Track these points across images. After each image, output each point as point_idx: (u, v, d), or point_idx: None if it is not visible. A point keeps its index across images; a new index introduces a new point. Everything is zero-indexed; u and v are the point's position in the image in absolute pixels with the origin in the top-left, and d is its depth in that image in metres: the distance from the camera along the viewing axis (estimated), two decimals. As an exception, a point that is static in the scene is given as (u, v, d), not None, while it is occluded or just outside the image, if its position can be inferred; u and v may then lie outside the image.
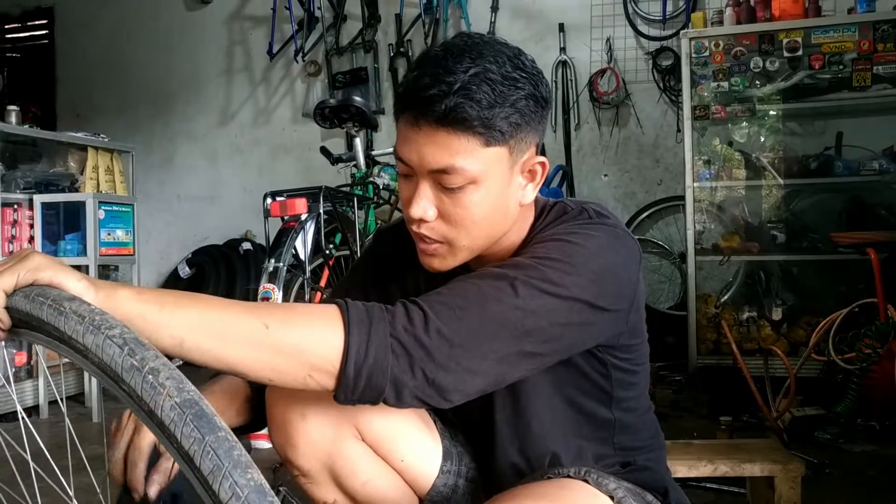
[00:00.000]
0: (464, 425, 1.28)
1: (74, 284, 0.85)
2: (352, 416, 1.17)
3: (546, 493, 1.01)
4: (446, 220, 1.07)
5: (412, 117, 1.03)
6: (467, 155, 1.01)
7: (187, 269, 5.67)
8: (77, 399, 3.88)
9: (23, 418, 1.04)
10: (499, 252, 1.15)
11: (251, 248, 5.60)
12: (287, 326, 0.90)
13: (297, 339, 0.91)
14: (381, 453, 1.21)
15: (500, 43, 1.06)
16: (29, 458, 0.97)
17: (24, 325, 0.85)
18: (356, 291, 1.26)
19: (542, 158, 1.11)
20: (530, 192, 1.12)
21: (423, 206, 1.05)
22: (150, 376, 0.73)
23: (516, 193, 1.10)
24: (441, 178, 1.04)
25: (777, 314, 4.09)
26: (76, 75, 6.48)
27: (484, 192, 1.05)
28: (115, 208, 3.87)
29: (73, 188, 4.12)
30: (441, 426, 1.28)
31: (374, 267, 1.33)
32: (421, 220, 1.07)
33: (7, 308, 0.85)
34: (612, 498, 1.04)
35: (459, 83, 0.99)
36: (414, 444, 1.22)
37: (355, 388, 0.92)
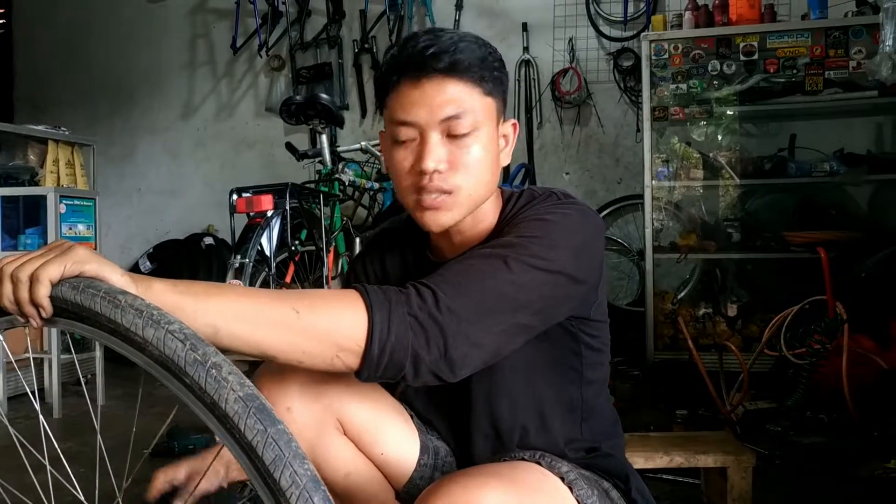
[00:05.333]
0: (441, 402, 1.31)
1: (118, 279, 0.89)
2: (335, 410, 1.21)
3: (497, 471, 1.06)
4: (455, 168, 1.14)
5: (414, 77, 1.12)
6: (471, 100, 1.13)
7: (148, 263, 5.61)
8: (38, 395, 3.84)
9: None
10: (474, 234, 1.22)
11: (213, 242, 5.55)
12: (315, 311, 0.96)
13: (326, 322, 0.97)
14: (362, 446, 1.25)
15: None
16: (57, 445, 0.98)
17: (66, 315, 0.88)
18: None
19: (512, 120, 1.23)
20: (506, 155, 1.23)
21: (438, 155, 1.13)
22: (214, 370, 0.78)
23: (499, 152, 1.21)
24: (451, 126, 1.12)
25: (732, 311, 4.20)
26: (35, 67, 6.37)
27: (484, 141, 1.15)
28: (76, 202, 3.83)
29: (34, 181, 4.07)
30: (417, 421, 1.32)
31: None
32: (435, 172, 1.13)
33: (51, 297, 0.88)
34: (562, 479, 1.10)
35: (452, 41, 1.12)
36: (393, 437, 1.26)
37: (378, 364, 0.98)
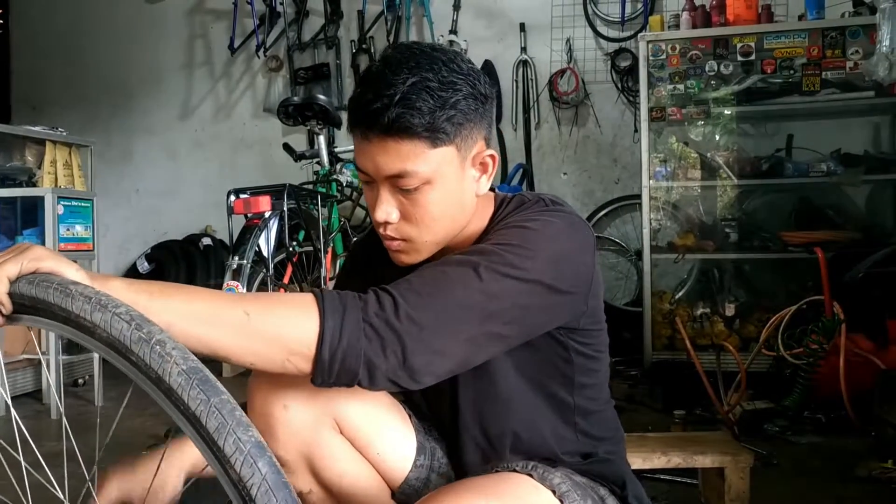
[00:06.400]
0: (431, 408, 1.32)
1: (74, 274, 0.92)
2: (331, 409, 1.21)
3: (487, 485, 1.05)
4: (408, 219, 1.13)
5: (361, 132, 1.10)
6: (417, 158, 1.08)
7: (146, 264, 5.61)
8: (35, 396, 3.84)
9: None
10: (460, 242, 1.20)
11: (211, 243, 5.55)
12: (266, 314, 0.97)
13: (276, 325, 0.97)
14: (358, 446, 1.24)
15: (437, 50, 1.12)
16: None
17: (26, 311, 0.92)
18: None
19: (491, 151, 1.18)
20: (484, 184, 1.19)
21: (386, 209, 1.13)
22: (158, 346, 0.80)
23: (471, 186, 1.17)
24: (397, 182, 1.10)
25: (730, 311, 4.20)
26: (32, 67, 6.36)
27: (439, 190, 1.11)
28: (74, 203, 3.82)
29: (31, 182, 4.07)
30: (415, 421, 1.31)
31: (354, 279, 1.35)
32: (386, 223, 1.14)
33: (10, 294, 0.91)
34: (554, 492, 1.09)
35: (399, 94, 1.05)
36: (390, 437, 1.25)
37: (331, 370, 0.98)
